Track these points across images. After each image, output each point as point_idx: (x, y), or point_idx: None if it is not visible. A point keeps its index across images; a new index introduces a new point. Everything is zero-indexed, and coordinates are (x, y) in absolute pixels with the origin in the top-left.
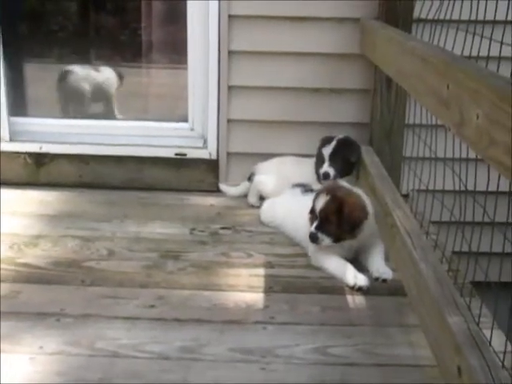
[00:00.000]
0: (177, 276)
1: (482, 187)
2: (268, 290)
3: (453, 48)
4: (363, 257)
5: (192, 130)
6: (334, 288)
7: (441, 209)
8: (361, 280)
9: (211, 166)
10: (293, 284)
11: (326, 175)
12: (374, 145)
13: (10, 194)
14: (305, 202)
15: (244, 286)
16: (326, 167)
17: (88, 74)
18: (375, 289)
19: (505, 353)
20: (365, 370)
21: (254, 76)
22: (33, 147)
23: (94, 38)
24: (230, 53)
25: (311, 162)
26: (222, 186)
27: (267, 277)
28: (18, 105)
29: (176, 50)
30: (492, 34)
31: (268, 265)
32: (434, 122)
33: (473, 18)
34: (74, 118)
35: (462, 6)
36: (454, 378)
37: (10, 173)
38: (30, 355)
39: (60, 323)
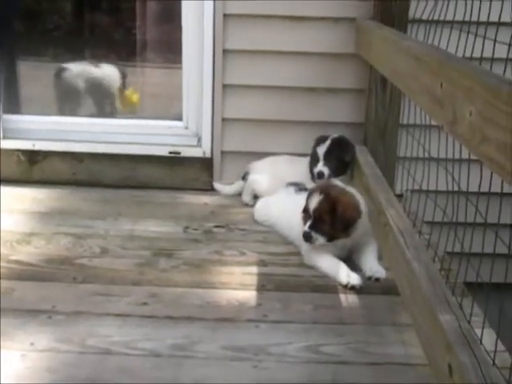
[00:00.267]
0: (170, 274)
1: (474, 188)
2: (261, 288)
3: (447, 48)
4: (356, 256)
5: (186, 128)
6: (326, 287)
7: (434, 209)
8: (354, 279)
9: (205, 165)
10: (286, 282)
11: (321, 174)
12: (369, 144)
13: (3, 192)
14: (298, 201)
15: (237, 284)
16: (321, 166)
17: (88, 71)
18: (368, 288)
19: (495, 351)
20: (357, 368)
21: (249, 75)
22: (26, 145)
23: (89, 36)
24: (225, 51)
25: (305, 161)
26: (216, 185)
27: (260, 275)
28: (12, 102)
29: (171, 49)
30: (485, 34)
31: (261, 263)
32: (428, 122)
33: (467, 18)
34: (67, 115)
35: (456, 7)
36: (444, 376)
37: (3, 170)
38: (21, 352)
39: (52, 320)
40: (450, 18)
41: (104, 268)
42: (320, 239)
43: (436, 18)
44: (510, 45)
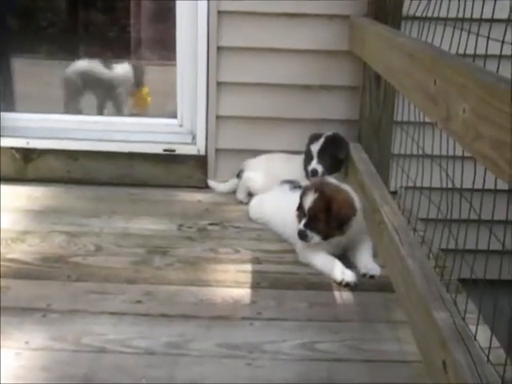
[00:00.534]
0: (164, 272)
1: (468, 185)
2: (255, 285)
3: (440, 45)
4: (351, 253)
5: (181, 126)
6: (321, 284)
7: (428, 206)
8: (348, 276)
9: (200, 162)
10: (280, 280)
11: (315, 172)
12: (363, 142)
13: None
14: (293, 199)
15: (231, 282)
16: (315, 164)
17: (99, 70)
18: (363, 285)
19: (490, 347)
20: (352, 365)
21: (243, 72)
22: (20, 142)
23: (84, 34)
24: (219, 49)
25: (300, 158)
26: (211, 183)
27: (255, 273)
28: (6, 100)
29: (165, 47)
30: (478, 31)
31: (255, 261)
32: (422, 120)
33: (460, 15)
34: (62, 113)
35: (449, 4)
36: (439, 372)
37: None
38: (16, 350)
39: (46, 319)
40: (443, 15)
41: (98, 266)
42: (315, 237)
43: (430, 15)
44: (503, 42)
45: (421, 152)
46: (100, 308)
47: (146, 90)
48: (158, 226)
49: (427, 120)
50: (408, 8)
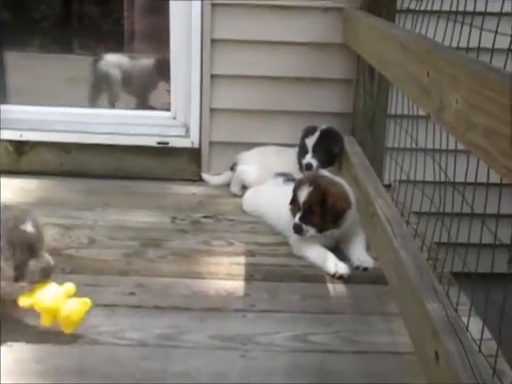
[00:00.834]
0: (157, 264)
1: (461, 178)
2: (249, 278)
3: (434, 38)
4: (344, 245)
5: (174, 118)
6: (314, 276)
7: (422, 199)
8: (341, 268)
9: (193, 155)
10: (273, 272)
11: (309, 166)
12: (357, 135)
13: None
14: (287, 192)
15: (225, 274)
16: (309, 158)
17: (124, 62)
18: (356, 277)
19: (481, 339)
20: (344, 357)
21: (237, 65)
22: (13, 135)
23: (77, 27)
24: (213, 41)
25: (294, 151)
26: (205, 176)
27: (248, 265)
28: None
29: (159, 40)
30: (471, 24)
31: (249, 253)
32: (415, 113)
33: (454, 8)
34: (55, 105)
35: None
36: (431, 363)
37: None
38: (8, 343)
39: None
40: (437, 8)
41: (92, 258)
42: (311, 231)
43: (423, 8)
44: (496, 33)
45: (414, 145)
46: (93, 300)
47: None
48: (152, 219)
49: (421, 113)
50: (402, 1)
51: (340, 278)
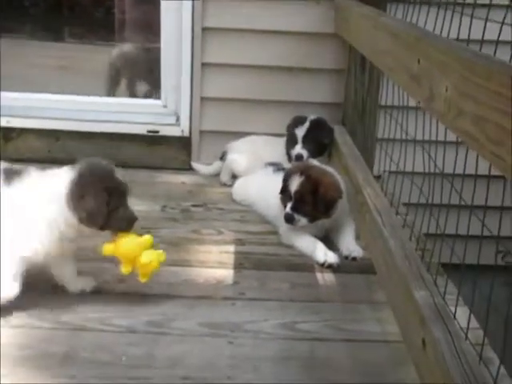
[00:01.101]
0: None
1: (450, 170)
2: (238, 266)
3: (425, 27)
4: (334, 235)
5: (165, 106)
6: (303, 265)
7: (411, 190)
8: (331, 257)
9: (183, 144)
10: (263, 261)
11: (299, 157)
12: (347, 125)
13: None
14: (277, 181)
15: (214, 263)
16: (299, 149)
17: (139, 53)
18: (345, 267)
19: (468, 327)
20: (333, 344)
21: (229, 54)
22: None
23: (68, 15)
24: (204, 30)
25: (283, 141)
26: (195, 165)
27: (237, 254)
28: None
29: (150, 28)
30: (462, 12)
31: (239, 242)
32: (406, 104)
33: None
34: (43, 92)
35: None
36: (418, 350)
37: None
38: None
39: (25, 296)
40: None
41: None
42: (302, 220)
43: None
44: (486, 21)
45: (405, 136)
46: None
47: None
48: (142, 207)
49: (411, 104)
50: None
51: (329, 267)
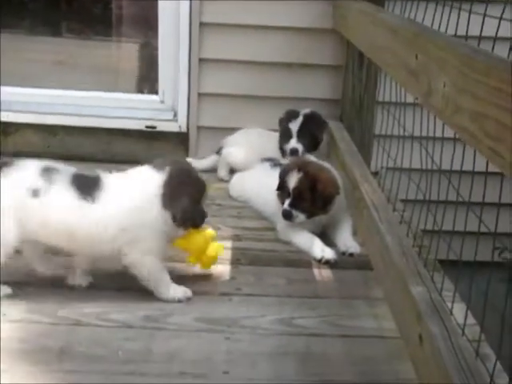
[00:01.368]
0: None
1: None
2: (235, 262)
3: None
4: (331, 231)
5: (162, 102)
6: (300, 261)
7: (409, 186)
8: (328, 253)
9: (181, 140)
10: (260, 257)
11: (294, 151)
12: (345, 121)
13: None
14: (274, 177)
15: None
16: (294, 143)
17: None
18: (342, 263)
19: (465, 324)
20: (329, 340)
21: (226, 49)
22: None
23: (66, 10)
24: (202, 25)
25: (277, 135)
26: (189, 160)
27: (235, 249)
28: None
29: (148, 23)
30: (460, 10)
31: (236, 238)
32: (403, 100)
33: None
34: (41, 87)
35: None
36: (415, 345)
37: None
38: None
39: (23, 292)
40: None
41: None
42: (300, 216)
43: None
44: (484, 16)
45: (402, 133)
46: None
47: None
48: None
49: (409, 101)
50: None
51: (326, 263)
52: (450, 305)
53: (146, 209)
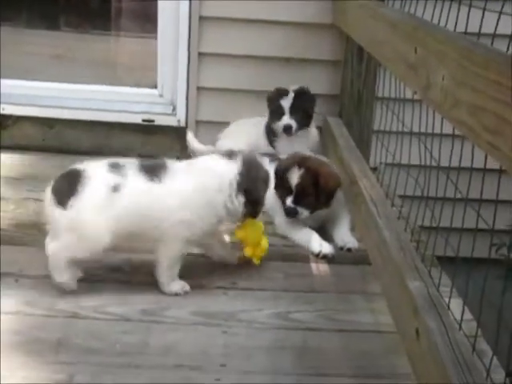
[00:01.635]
0: None
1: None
2: None
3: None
4: (329, 226)
5: (161, 96)
6: (298, 256)
7: (407, 182)
8: (326, 248)
9: (179, 134)
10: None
11: (288, 128)
12: (344, 117)
13: None
14: (272, 172)
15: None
16: (287, 119)
17: None
18: (340, 257)
19: (462, 319)
20: (326, 335)
21: (226, 43)
22: None
23: (64, 3)
24: (201, 19)
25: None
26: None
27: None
28: None
29: (147, 17)
30: (460, 3)
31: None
32: (403, 96)
33: None
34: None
35: None
36: (412, 340)
37: None
38: None
39: (19, 284)
40: None
41: None
42: (304, 212)
43: None
44: (484, 10)
45: (401, 128)
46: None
47: None
48: None
49: (408, 96)
50: None
51: (324, 257)
52: (446, 300)
53: (221, 191)
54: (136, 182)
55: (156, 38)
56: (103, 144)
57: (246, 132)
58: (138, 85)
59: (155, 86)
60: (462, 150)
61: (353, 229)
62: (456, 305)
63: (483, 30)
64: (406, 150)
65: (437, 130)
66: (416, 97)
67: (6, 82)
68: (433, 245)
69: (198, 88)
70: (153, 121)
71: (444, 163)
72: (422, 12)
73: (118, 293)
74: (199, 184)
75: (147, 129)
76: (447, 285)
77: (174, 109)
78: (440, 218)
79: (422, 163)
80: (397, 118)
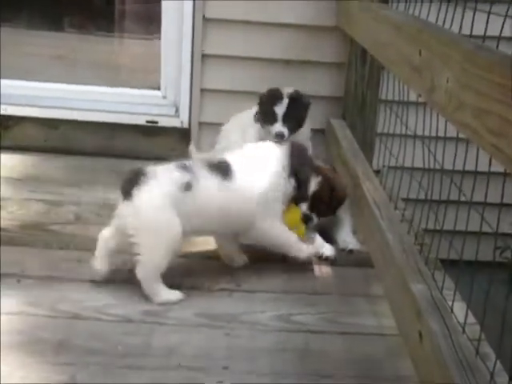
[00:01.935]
0: None
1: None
2: None
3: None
4: (331, 228)
5: (164, 97)
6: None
7: (410, 185)
8: (328, 250)
9: (182, 135)
10: (260, 253)
11: (280, 135)
12: (347, 119)
13: None
14: None
15: (211, 254)
16: (280, 127)
17: None
18: (342, 260)
19: (465, 322)
20: (328, 337)
21: (229, 45)
22: None
23: (67, 4)
24: (205, 20)
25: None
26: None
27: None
28: None
29: (150, 18)
30: (465, 7)
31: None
32: (406, 99)
33: None
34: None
35: None
36: (415, 343)
37: None
38: None
39: (21, 284)
40: None
41: (77, 235)
42: (315, 219)
43: None
44: (489, 14)
45: (405, 131)
46: (77, 275)
47: None
48: None
49: (412, 99)
50: None
51: (326, 259)
52: (450, 303)
53: (281, 175)
54: (208, 181)
55: (159, 39)
56: (107, 145)
57: (247, 125)
58: (141, 86)
59: (158, 88)
60: (466, 153)
61: (355, 231)
62: (459, 308)
63: (489, 33)
64: (409, 152)
65: (441, 133)
66: (420, 99)
67: (8, 82)
68: (436, 247)
69: (202, 90)
70: (156, 122)
71: (448, 166)
72: (427, 14)
73: (120, 294)
74: (266, 171)
75: (150, 130)
76: (451, 288)
77: (177, 110)
78: (444, 221)
79: (426, 166)
80: (400, 120)
